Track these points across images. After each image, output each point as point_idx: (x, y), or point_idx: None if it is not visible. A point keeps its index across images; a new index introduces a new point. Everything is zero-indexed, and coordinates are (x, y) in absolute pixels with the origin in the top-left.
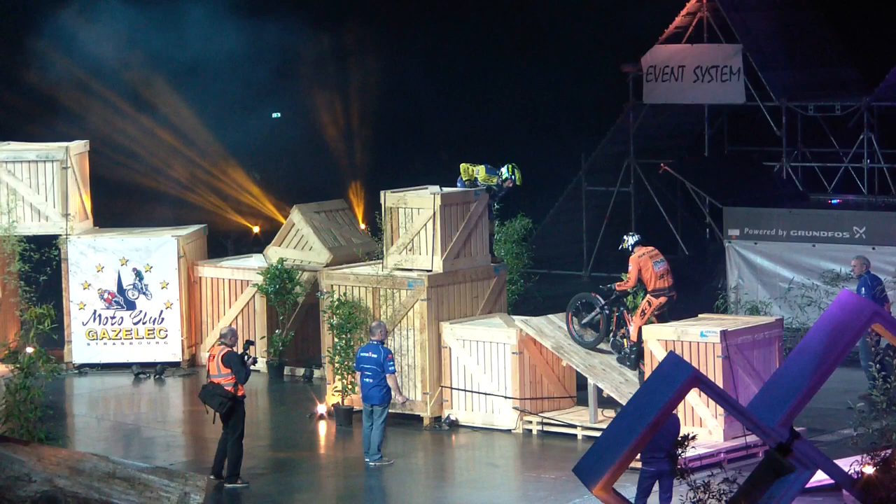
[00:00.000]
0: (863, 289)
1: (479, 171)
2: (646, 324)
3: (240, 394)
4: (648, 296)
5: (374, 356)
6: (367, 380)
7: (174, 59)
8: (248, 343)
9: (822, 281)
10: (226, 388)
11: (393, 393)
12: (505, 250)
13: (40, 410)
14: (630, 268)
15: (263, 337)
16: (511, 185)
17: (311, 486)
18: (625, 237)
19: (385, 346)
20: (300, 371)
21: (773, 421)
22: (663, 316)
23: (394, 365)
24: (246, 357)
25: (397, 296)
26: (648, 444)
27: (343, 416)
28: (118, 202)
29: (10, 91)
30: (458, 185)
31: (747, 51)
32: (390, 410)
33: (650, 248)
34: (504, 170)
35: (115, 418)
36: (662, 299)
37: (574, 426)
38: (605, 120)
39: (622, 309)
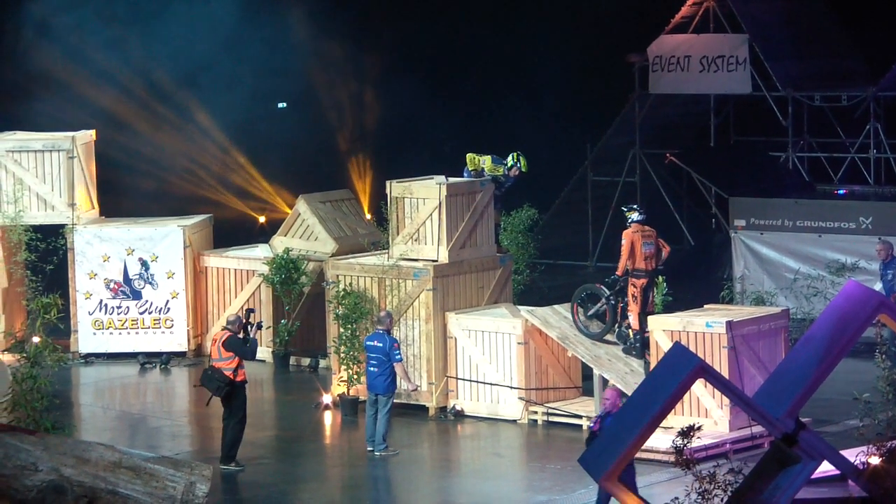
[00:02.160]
0: (890, 272)
1: (486, 161)
2: (641, 310)
3: (239, 379)
4: (630, 278)
5: (380, 345)
6: (373, 369)
7: (179, 47)
8: (249, 311)
9: (828, 271)
10: (225, 372)
11: (401, 381)
12: (510, 241)
13: (46, 400)
14: (623, 242)
15: (269, 327)
16: (517, 172)
17: (317, 476)
18: (631, 208)
19: (391, 335)
20: (306, 361)
21: (778, 411)
22: (647, 297)
23: (400, 353)
24: (249, 326)
25: (403, 286)
26: None
27: (349, 406)
28: (123, 192)
29: (13, 74)
30: (465, 175)
31: (753, 41)
32: (397, 400)
33: (647, 227)
34: (509, 158)
35: (120, 408)
36: (643, 280)
37: (579, 416)
38: (610, 110)
39: (627, 299)
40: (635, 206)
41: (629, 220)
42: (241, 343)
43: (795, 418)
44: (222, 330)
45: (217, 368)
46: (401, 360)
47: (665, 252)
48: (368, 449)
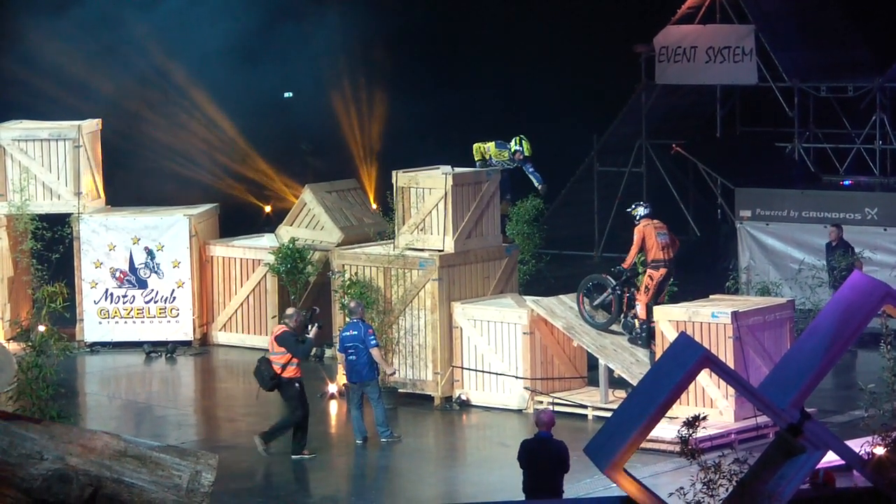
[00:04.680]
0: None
1: (490, 148)
2: (651, 301)
3: (287, 374)
4: (648, 269)
5: (355, 333)
6: (351, 357)
7: (186, 36)
8: (313, 309)
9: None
10: (273, 366)
11: (381, 365)
12: (516, 231)
13: (52, 388)
14: (634, 239)
15: (275, 316)
16: (521, 157)
17: (322, 465)
18: (636, 205)
19: (365, 322)
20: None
21: (783, 402)
22: (661, 289)
23: (376, 338)
24: (310, 325)
25: (409, 276)
26: (528, 473)
27: None
28: (129, 181)
29: (21, 66)
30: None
31: (760, 31)
32: (402, 389)
33: (656, 220)
34: (512, 142)
35: (126, 397)
36: (662, 271)
37: (585, 406)
38: (617, 101)
39: (633, 290)
40: (640, 203)
41: (637, 217)
42: (294, 340)
43: (801, 408)
44: (279, 323)
45: (268, 361)
46: (377, 344)
47: (675, 245)
48: (358, 441)
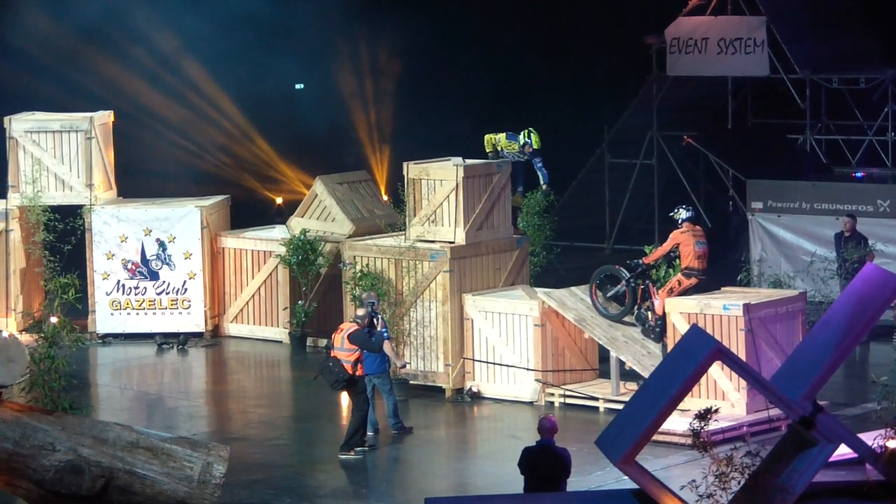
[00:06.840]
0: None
1: (501, 139)
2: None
3: (358, 373)
4: (680, 274)
5: None
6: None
7: (198, 28)
8: (371, 304)
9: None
10: (344, 364)
11: (392, 357)
12: (527, 222)
13: (64, 380)
14: (667, 241)
15: (286, 308)
16: (530, 149)
17: (332, 457)
18: (680, 208)
19: (379, 314)
20: (322, 342)
21: (796, 394)
22: (685, 293)
23: (387, 331)
24: (374, 319)
25: (420, 267)
26: (531, 480)
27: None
28: (141, 173)
29: (32, 54)
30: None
31: (771, 23)
32: (414, 381)
33: (696, 227)
34: (521, 136)
35: (138, 388)
36: (693, 280)
37: (596, 398)
38: (628, 92)
39: (647, 282)
40: (683, 206)
41: (679, 221)
42: (366, 337)
43: (813, 401)
44: (351, 322)
45: (338, 361)
46: (388, 337)
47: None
48: (369, 433)
